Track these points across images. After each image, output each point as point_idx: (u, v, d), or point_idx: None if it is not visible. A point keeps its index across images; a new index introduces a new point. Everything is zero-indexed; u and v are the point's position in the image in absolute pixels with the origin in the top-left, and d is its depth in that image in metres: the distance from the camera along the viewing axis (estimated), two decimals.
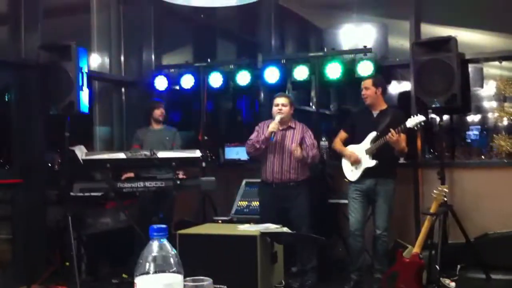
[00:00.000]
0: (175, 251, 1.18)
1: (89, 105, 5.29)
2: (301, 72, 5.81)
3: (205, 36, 8.01)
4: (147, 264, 1.17)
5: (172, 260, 1.18)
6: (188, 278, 1.20)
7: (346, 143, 5.15)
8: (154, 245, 1.18)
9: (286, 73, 5.94)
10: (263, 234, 4.47)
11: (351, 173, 5.06)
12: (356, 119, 5.26)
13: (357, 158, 4.95)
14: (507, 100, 5.86)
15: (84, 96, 5.10)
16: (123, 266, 5.37)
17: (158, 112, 5.79)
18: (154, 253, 1.17)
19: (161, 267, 1.17)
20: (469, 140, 8.02)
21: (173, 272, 1.17)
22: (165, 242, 1.18)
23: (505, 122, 5.78)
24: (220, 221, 5.52)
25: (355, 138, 5.09)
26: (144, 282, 1.16)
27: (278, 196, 5.06)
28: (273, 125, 4.96)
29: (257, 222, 5.14)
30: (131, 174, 5.27)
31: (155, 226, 1.18)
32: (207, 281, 1.19)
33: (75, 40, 5.20)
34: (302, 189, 5.09)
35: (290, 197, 5.04)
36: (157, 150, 4.85)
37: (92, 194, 5.11)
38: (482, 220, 5.46)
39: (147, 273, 1.16)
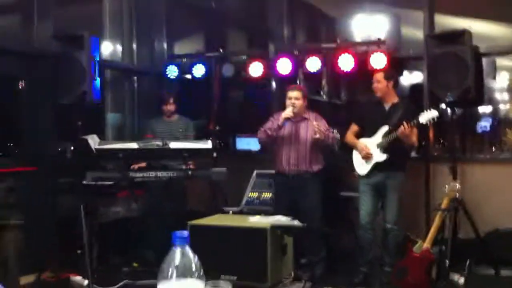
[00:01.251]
0: (197, 257, 1.19)
1: (101, 94, 5.31)
2: (313, 63, 5.79)
3: (216, 25, 7.98)
4: (169, 270, 1.18)
5: (193, 267, 1.19)
6: (208, 282, 1.21)
7: (357, 136, 5.14)
8: (177, 251, 1.19)
9: (298, 64, 5.92)
10: (274, 227, 4.49)
11: (362, 166, 5.06)
12: (368, 111, 5.25)
13: (369, 153, 4.94)
14: None
15: (96, 85, 5.11)
16: (134, 255, 5.42)
17: (166, 108, 5.77)
18: (176, 260, 1.18)
19: (183, 273, 1.18)
20: (479, 131, 7.97)
21: (195, 278, 1.18)
22: (187, 248, 1.19)
23: None
24: (230, 212, 5.54)
25: (366, 131, 5.08)
26: (166, 287, 1.17)
27: (293, 187, 5.12)
28: (287, 111, 5.02)
29: (267, 213, 5.17)
30: (143, 164, 5.29)
31: (177, 233, 1.18)
32: (228, 286, 1.20)
33: (87, 28, 5.21)
34: (317, 181, 5.15)
35: (305, 188, 5.09)
36: (169, 141, 4.88)
37: (104, 183, 5.14)
38: (493, 216, 5.44)
39: (169, 279, 1.17)
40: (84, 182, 4.94)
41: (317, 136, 4.93)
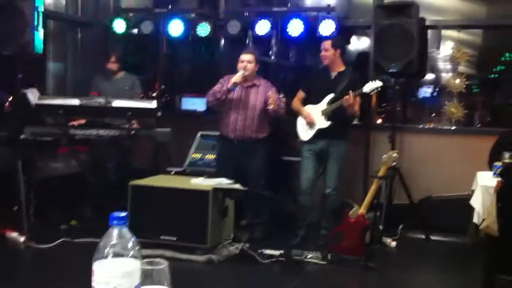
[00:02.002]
0: (134, 238, 1.20)
1: (44, 45, 5.13)
2: (263, 27, 5.77)
3: None
4: (105, 250, 1.18)
5: (130, 246, 1.20)
6: (144, 261, 1.22)
7: (304, 102, 5.20)
8: (114, 232, 1.19)
9: (248, 26, 5.88)
10: (216, 189, 4.54)
11: (305, 133, 5.13)
12: (314, 79, 5.30)
13: (312, 120, 5.02)
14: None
15: (39, 36, 4.93)
16: (73, 212, 5.36)
17: (108, 66, 5.64)
18: (113, 240, 1.19)
19: (119, 252, 1.19)
20: (420, 97, 8.18)
21: (131, 257, 1.20)
22: (125, 229, 1.20)
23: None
24: (173, 172, 5.54)
25: (312, 97, 5.14)
26: (101, 266, 1.18)
27: (238, 151, 5.12)
28: (236, 76, 4.98)
29: (210, 175, 5.20)
30: (82, 121, 5.18)
31: (115, 214, 1.19)
32: (163, 264, 1.22)
33: None
34: (261, 146, 5.17)
35: (250, 153, 5.11)
36: (112, 99, 4.80)
37: (44, 138, 5.03)
38: (428, 183, 5.69)
39: (105, 257, 1.18)
40: (22, 136, 4.83)
41: (271, 106, 4.93)
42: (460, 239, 5.13)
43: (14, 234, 4.81)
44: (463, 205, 4.59)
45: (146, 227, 4.34)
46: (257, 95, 5.14)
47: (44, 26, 5.08)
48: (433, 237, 5.35)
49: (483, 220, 3.90)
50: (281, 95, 5.90)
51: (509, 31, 6.35)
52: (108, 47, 5.84)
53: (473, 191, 4.39)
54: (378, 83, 4.70)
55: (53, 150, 5.43)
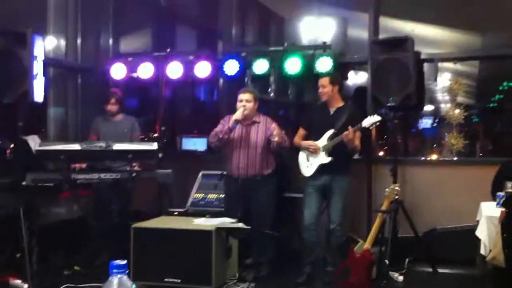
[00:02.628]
0: (135, 286, 1.19)
1: (44, 92, 5.18)
2: (261, 66, 5.83)
3: (165, 22, 7.90)
4: None
5: None
6: None
7: (304, 139, 5.22)
8: (114, 281, 1.19)
9: (246, 65, 5.95)
10: (219, 229, 4.52)
11: (307, 169, 5.13)
12: (314, 116, 5.33)
13: (316, 145, 5.02)
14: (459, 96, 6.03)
15: (39, 84, 4.98)
16: (76, 258, 5.32)
17: (107, 107, 5.66)
18: None
19: None
20: (421, 129, 8.22)
21: None
22: (125, 277, 1.19)
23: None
24: (175, 213, 5.52)
25: (312, 134, 5.16)
26: None
27: (243, 190, 5.09)
28: (237, 114, 5.00)
29: (213, 214, 5.18)
30: (83, 165, 5.18)
31: (114, 263, 1.18)
32: None
33: (30, 21, 5.06)
34: (267, 183, 5.15)
35: (255, 191, 5.09)
36: (114, 142, 4.82)
37: (45, 184, 5.03)
38: (432, 216, 5.66)
39: None
40: (24, 183, 4.84)
41: (276, 139, 4.94)
42: (468, 271, 5.06)
43: (17, 281, 4.77)
44: (468, 237, 4.57)
45: (150, 270, 4.31)
46: (258, 132, 5.16)
47: (44, 74, 5.13)
48: (440, 270, 5.30)
49: (490, 251, 3.87)
50: (283, 132, 5.94)
51: (505, 60, 6.41)
52: (108, 91, 5.86)
53: (478, 221, 4.37)
54: (376, 118, 4.73)
55: (55, 196, 5.43)
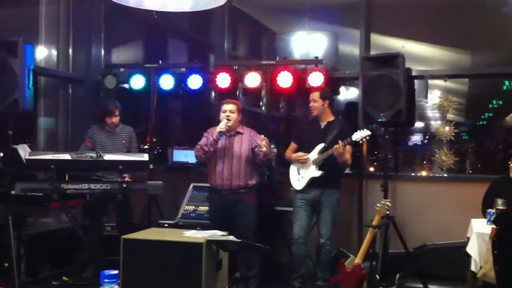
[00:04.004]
0: None
1: (34, 102, 5.15)
2: (252, 79, 5.85)
3: (157, 34, 7.92)
4: None
5: None
6: None
7: (295, 153, 5.23)
8: None
9: (237, 79, 5.96)
10: (209, 242, 4.48)
11: (297, 182, 5.14)
12: (304, 130, 5.35)
13: (305, 156, 5.03)
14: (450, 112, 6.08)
15: (29, 93, 4.96)
16: (64, 268, 5.27)
17: (111, 120, 5.60)
18: None
19: None
20: (411, 145, 8.27)
21: None
22: (116, 287, 1.18)
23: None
24: (166, 225, 5.48)
25: (303, 148, 5.18)
26: None
27: (227, 202, 5.05)
28: (221, 125, 4.96)
29: (204, 227, 5.15)
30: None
31: (106, 273, 1.17)
32: None
33: (22, 31, 5.05)
34: (251, 196, 5.11)
35: (239, 203, 5.04)
36: (109, 152, 4.81)
37: (34, 194, 4.99)
38: (422, 231, 5.67)
39: None
40: (13, 192, 4.80)
41: (264, 149, 4.91)
42: (458, 287, 5.06)
43: None
44: (459, 253, 4.57)
45: (139, 281, 4.25)
46: (241, 143, 5.10)
47: (35, 83, 5.10)
48: (431, 286, 5.27)
49: (481, 267, 3.87)
50: (272, 146, 5.94)
51: (495, 78, 6.48)
52: (109, 103, 5.79)
53: (468, 238, 4.38)
54: (366, 132, 4.76)
55: (44, 206, 5.39)
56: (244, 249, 4.82)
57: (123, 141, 5.65)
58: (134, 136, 5.78)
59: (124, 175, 5.03)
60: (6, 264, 4.90)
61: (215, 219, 5.13)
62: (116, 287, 1.17)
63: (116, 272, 1.17)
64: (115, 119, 5.61)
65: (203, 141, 5.11)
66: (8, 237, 4.78)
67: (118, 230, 5.57)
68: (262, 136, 5.03)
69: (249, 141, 5.11)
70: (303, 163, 5.08)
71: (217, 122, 5.23)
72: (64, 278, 5.13)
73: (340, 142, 4.77)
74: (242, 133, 5.16)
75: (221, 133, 4.97)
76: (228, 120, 5.01)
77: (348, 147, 4.95)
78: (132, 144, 5.74)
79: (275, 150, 5.94)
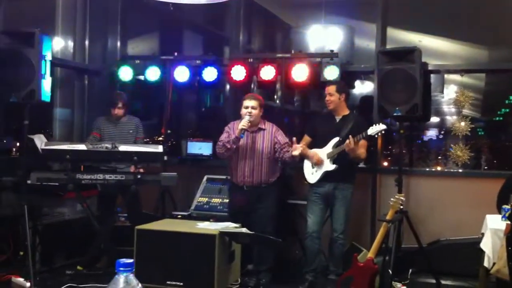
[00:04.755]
0: (140, 285, 1.19)
1: (51, 92, 5.19)
2: (267, 72, 5.84)
3: (172, 27, 7.94)
4: None
5: None
6: None
7: (309, 147, 5.21)
8: (120, 279, 1.18)
9: (252, 72, 5.96)
10: (222, 233, 4.50)
11: (311, 176, 5.13)
12: (319, 123, 5.33)
13: (320, 158, 5.02)
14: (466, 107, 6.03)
15: (46, 84, 4.99)
16: (79, 257, 5.33)
17: (114, 111, 5.62)
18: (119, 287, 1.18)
19: None
20: (426, 140, 8.21)
21: None
22: (131, 276, 1.18)
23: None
24: (179, 216, 5.51)
25: (318, 142, 5.16)
26: None
27: (248, 198, 5.04)
28: (243, 123, 4.91)
29: (217, 219, 5.17)
30: None
31: (121, 261, 1.18)
32: None
33: (38, 22, 5.07)
34: (272, 191, 5.09)
35: (260, 199, 5.03)
36: (119, 143, 4.83)
37: (50, 184, 5.04)
38: (436, 227, 5.65)
39: None
40: (29, 182, 4.85)
41: (296, 153, 4.86)
42: (471, 283, 5.04)
43: (20, 280, 4.77)
44: (472, 249, 4.54)
45: (152, 272, 4.30)
46: (263, 139, 5.09)
47: (52, 74, 5.14)
48: (443, 282, 5.26)
49: (494, 264, 3.84)
50: (294, 138, 5.93)
51: (511, 74, 6.41)
52: (114, 93, 5.86)
53: (482, 234, 4.34)
54: (382, 126, 4.72)
55: (60, 196, 5.44)
56: (256, 241, 4.83)
57: (130, 131, 5.68)
58: (140, 127, 5.79)
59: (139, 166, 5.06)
60: (22, 253, 4.96)
61: (234, 213, 5.12)
62: (131, 275, 1.18)
63: (131, 260, 1.17)
64: (118, 111, 5.62)
65: (224, 136, 5.07)
66: (23, 227, 4.83)
67: (129, 221, 5.61)
68: (294, 138, 4.99)
69: (271, 137, 5.08)
70: (317, 163, 5.05)
71: (231, 115, 5.24)
72: (78, 267, 5.18)
73: (351, 137, 4.75)
74: (264, 129, 5.11)
75: (243, 131, 4.91)
76: (250, 116, 4.98)
77: (363, 142, 4.92)
78: (138, 134, 5.74)
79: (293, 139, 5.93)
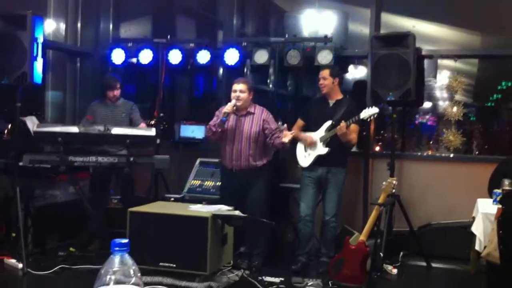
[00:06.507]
0: (136, 265, 1.20)
1: (43, 75, 5.16)
2: (261, 56, 5.83)
3: (165, 9, 7.87)
4: (107, 277, 1.18)
5: (131, 273, 1.19)
6: None
7: (303, 130, 5.23)
8: (115, 259, 1.19)
9: (246, 56, 5.94)
10: (215, 216, 4.52)
11: (304, 159, 5.15)
12: (313, 107, 5.34)
13: (313, 140, 5.04)
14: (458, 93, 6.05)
15: (38, 66, 4.96)
16: (71, 239, 5.34)
17: (112, 93, 5.61)
18: (115, 267, 1.18)
19: (120, 280, 1.18)
20: (418, 124, 8.24)
21: (132, 284, 1.19)
22: (126, 256, 1.19)
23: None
24: (172, 199, 5.52)
25: (311, 125, 5.18)
26: None
27: (238, 181, 5.04)
28: (227, 107, 4.90)
29: (209, 202, 5.18)
30: None
31: (117, 241, 1.18)
32: None
33: (30, 4, 5.02)
34: (262, 175, 5.08)
35: (250, 182, 5.03)
36: (112, 126, 4.82)
37: (42, 166, 5.03)
38: (427, 211, 5.69)
39: (107, 284, 1.17)
40: (21, 164, 4.83)
41: (286, 140, 4.81)
42: (462, 266, 5.09)
43: (12, 261, 4.78)
44: (463, 232, 4.59)
45: (145, 254, 4.31)
46: (252, 123, 5.04)
47: (43, 56, 5.10)
48: (434, 265, 5.32)
49: (485, 247, 3.89)
50: (280, 123, 5.93)
51: (504, 60, 6.42)
52: (109, 77, 5.82)
53: (473, 218, 4.39)
54: (375, 109, 4.75)
55: (52, 178, 5.43)
56: (249, 224, 4.85)
57: (123, 114, 5.66)
58: (135, 109, 5.77)
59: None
60: (14, 235, 4.97)
61: (226, 197, 5.13)
62: (127, 255, 1.19)
63: (126, 240, 1.18)
64: (116, 92, 5.63)
65: (212, 121, 5.07)
66: (15, 209, 4.83)
67: (122, 203, 5.62)
68: (285, 125, 4.98)
69: (259, 120, 5.05)
70: (310, 145, 5.07)
71: (224, 99, 5.23)
72: (71, 249, 5.19)
73: (343, 122, 4.77)
74: (253, 113, 5.07)
75: (226, 114, 4.88)
76: (238, 100, 4.96)
77: (354, 126, 4.95)
78: (134, 115, 5.72)
79: (282, 127, 5.93)
